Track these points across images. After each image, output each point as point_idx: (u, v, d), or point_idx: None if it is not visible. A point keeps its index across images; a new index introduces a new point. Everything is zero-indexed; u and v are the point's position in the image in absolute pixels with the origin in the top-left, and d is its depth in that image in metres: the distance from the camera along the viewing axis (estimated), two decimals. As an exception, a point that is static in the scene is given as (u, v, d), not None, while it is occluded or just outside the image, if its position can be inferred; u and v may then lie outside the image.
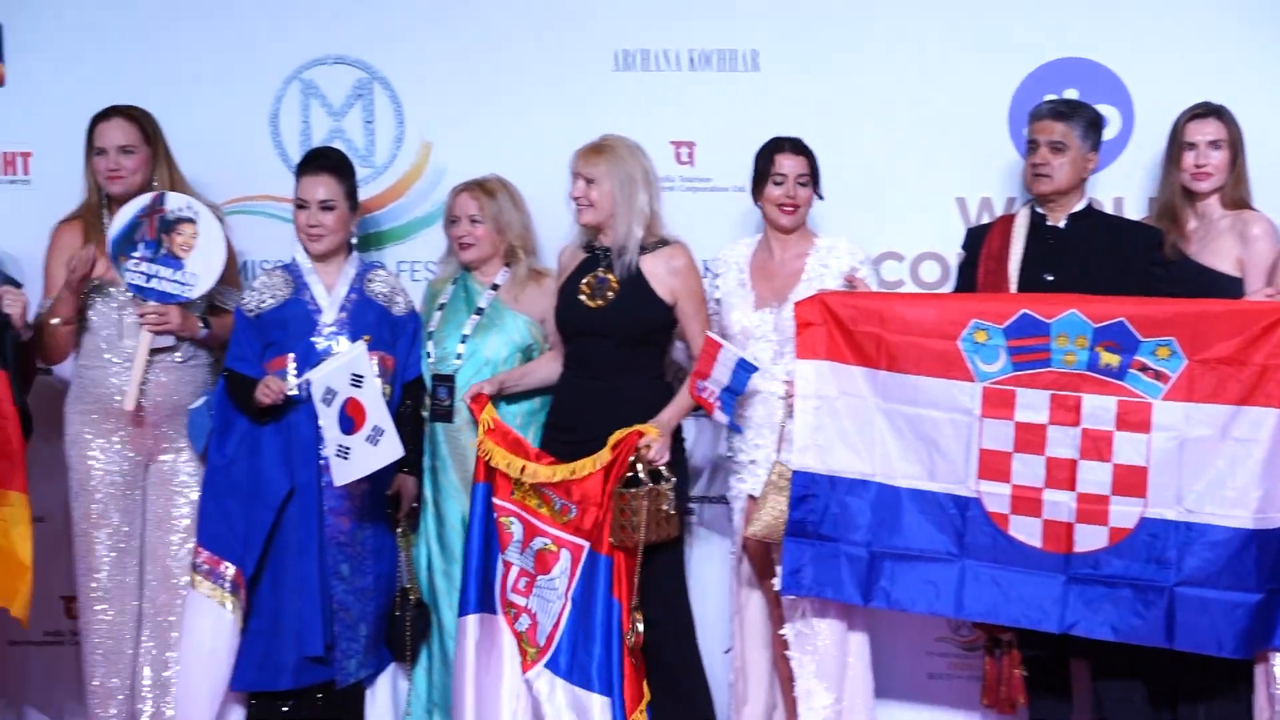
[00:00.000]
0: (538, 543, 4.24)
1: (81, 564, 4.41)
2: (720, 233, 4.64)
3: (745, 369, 4.07)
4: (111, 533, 4.37)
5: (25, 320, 4.17)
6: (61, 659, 4.82)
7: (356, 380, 4.11)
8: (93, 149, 4.35)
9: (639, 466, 4.08)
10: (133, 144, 4.35)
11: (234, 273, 4.57)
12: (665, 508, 4.09)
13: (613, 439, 4.12)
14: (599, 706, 4.11)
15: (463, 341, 4.46)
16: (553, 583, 4.22)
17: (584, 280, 4.31)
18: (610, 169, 4.24)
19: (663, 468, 4.11)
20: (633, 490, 4.06)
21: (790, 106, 4.70)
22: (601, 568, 4.13)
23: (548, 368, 4.45)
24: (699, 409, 4.25)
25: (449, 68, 4.82)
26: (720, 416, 4.14)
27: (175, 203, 4.35)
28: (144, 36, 4.79)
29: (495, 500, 4.27)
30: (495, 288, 4.53)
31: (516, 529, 4.25)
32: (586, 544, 4.18)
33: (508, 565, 4.26)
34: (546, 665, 4.20)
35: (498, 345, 4.47)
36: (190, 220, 4.35)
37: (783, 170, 4.31)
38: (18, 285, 4.29)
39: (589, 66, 4.81)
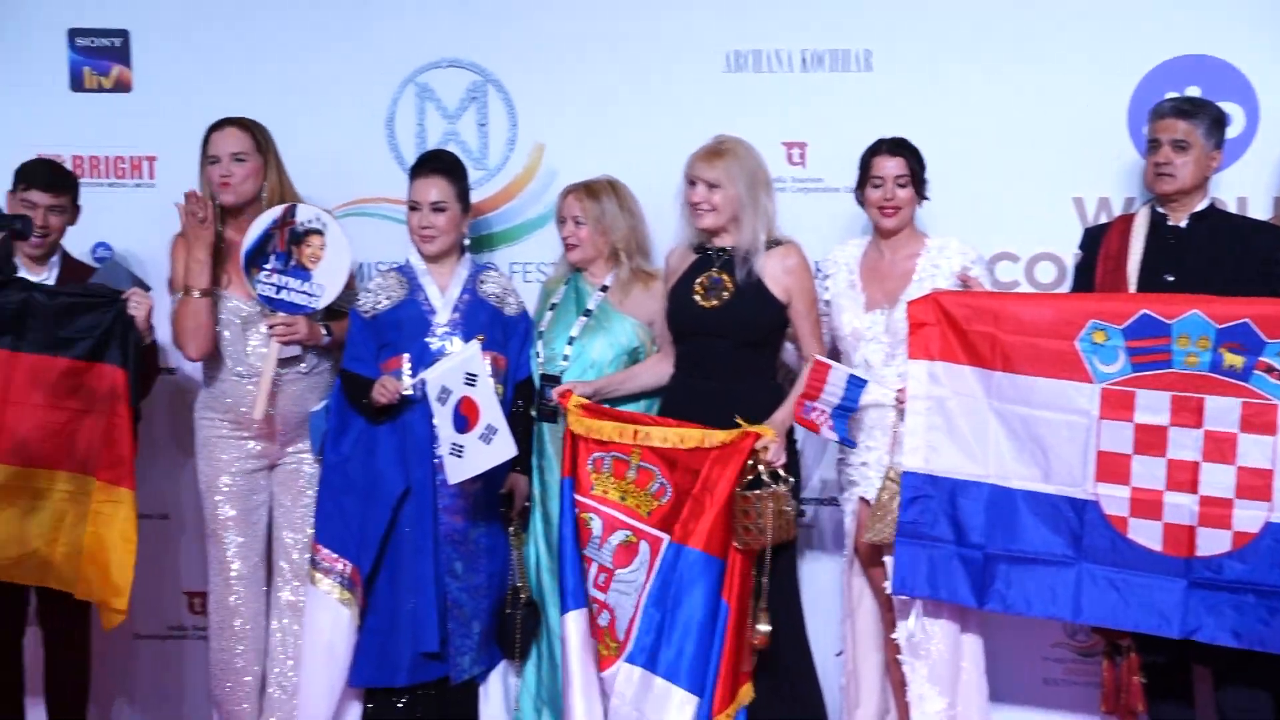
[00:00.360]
0: (617, 536, 4.20)
1: (211, 561, 4.51)
2: (831, 234, 4.63)
3: (857, 384, 4.05)
4: (238, 531, 4.45)
5: (149, 324, 4.26)
6: (184, 653, 4.93)
7: (470, 379, 4.15)
8: (206, 157, 4.44)
9: (760, 468, 4.05)
10: (245, 152, 4.42)
11: (350, 277, 4.63)
12: (786, 509, 4.07)
13: (727, 434, 4.09)
14: (680, 702, 4.07)
15: (570, 343, 4.48)
16: (632, 575, 4.18)
17: (697, 280, 4.30)
18: (733, 173, 4.23)
19: (779, 469, 4.09)
20: (755, 492, 4.02)
21: (903, 106, 4.66)
22: (704, 566, 4.07)
23: (653, 371, 4.44)
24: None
25: (562, 70, 4.85)
26: (829, 434, 4.11)
27: (305, 214, 4.42)
28: (264, 42, 4.87)
29: (576, 497, 4.24)
30: (604, 289, 4.54)
31: (596, 525, 4.22)
32: (666, 537, 4.14)
33: (588, 561, 4.23)
34: (626, 660, 4.16)
35: (603, 347, 4.48)
36: (319, 232, 4.42)
37: (881, 172, 4.28)
38: (146, 288, 4.39)
39: (701, 68, 4.80)
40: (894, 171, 4.27)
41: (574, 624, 4.23)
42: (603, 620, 4.21)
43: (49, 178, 4.42)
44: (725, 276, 4.27)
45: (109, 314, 4.17)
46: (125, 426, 4.18)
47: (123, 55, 4.88)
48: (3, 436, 4.12)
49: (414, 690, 4.38)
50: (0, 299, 4.11)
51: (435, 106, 4.89)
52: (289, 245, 4.39)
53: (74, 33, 4.88)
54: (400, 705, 4.39)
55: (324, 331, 4.46)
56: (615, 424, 4.21)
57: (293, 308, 4.38)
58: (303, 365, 4.45)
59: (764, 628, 4.07)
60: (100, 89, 4.89)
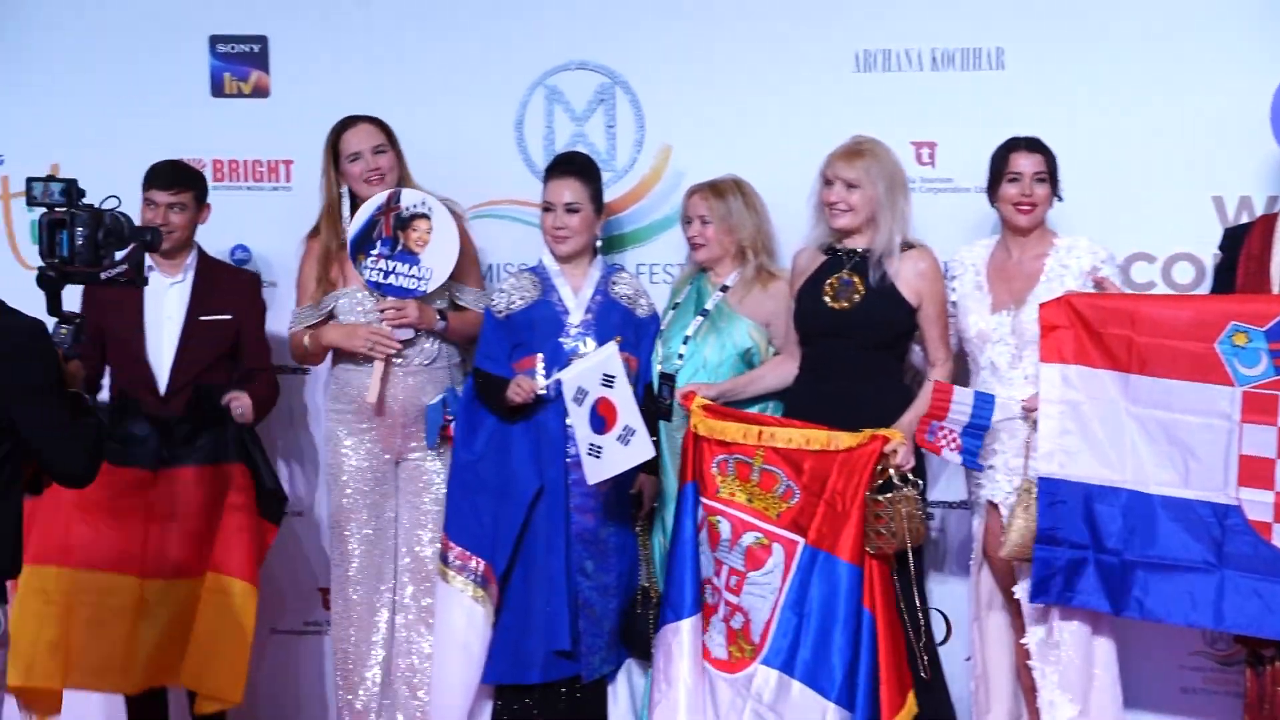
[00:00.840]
0: (748, 538, 4.18)
1: (334, 555, 4.59)
2: (961, 235, 4.57)
3: (985, 401, 4.01)
4: (362, 525, 4.52)
5: (251, 419, 4.37)
6: (320, 648, 5.00)
7: (608, 380, 4.17)
8: (341, 156, 4.51)
9: (890, 472, 4.02)
10: (383, 145, 4.51)
11: (476, 273, 4.68)
12: (916, 512, 4.04)
13: (853, 437, 4.06)
14: (828, 714, 4.03)
15: (685, 342, 4.48)
16: (766, 578, 4.15)
17: (828, 281, 4.28)
18: (873, 173, 4.22)
19: (909, 472, 4.06)
20: (887, 496, 3.99)
21: (1036, 104, 4.60)
22: (844, 574, 4.03)
23: (776, 373, 4.42)
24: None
25: (689, 71, 4.84)
26: (950, 456, 4.06)
27: (410, 199, 4.48)
28: (396, 46, 4.92)
29: (703, 500, 4.23)
30: (725, 289, 4.53)
31: (725, 528, 4.20)
32: (801, 540, 4.11)
33: (719, 564, 4.21)
34: (763, 662, 4.13)
35: (716, 348, 4.46)
36: (425, 216, 4.48)
37: (1018, 168, 4.22)
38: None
39: (830, 68, 4.77)
40: (1031, 168, 4.22)
41: (690, 630, 4.21)
42: (736, 623, 4.19)
43: (168, 176, 4.48)
44: (856, 278, 4.25)
45: (224, 429, 4.30)
46: (245, 519, 4.30)
47: (261, 61, 4.97)
48: (135, 549, 4.23)
49: (545, 688, 4.41)
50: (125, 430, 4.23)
51: (564, 109, 4.92)
52: (395, 230, 4.45)
53: (215, 39, 4.97)
54: (531, 702, 4.42)
55: (438, 317, 4.49)
56: (739, 425, 4.20)
57: (401, 291, 4.44)
58: (422, 357, 4.49)
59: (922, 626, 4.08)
60: (239, 94, 4.98)
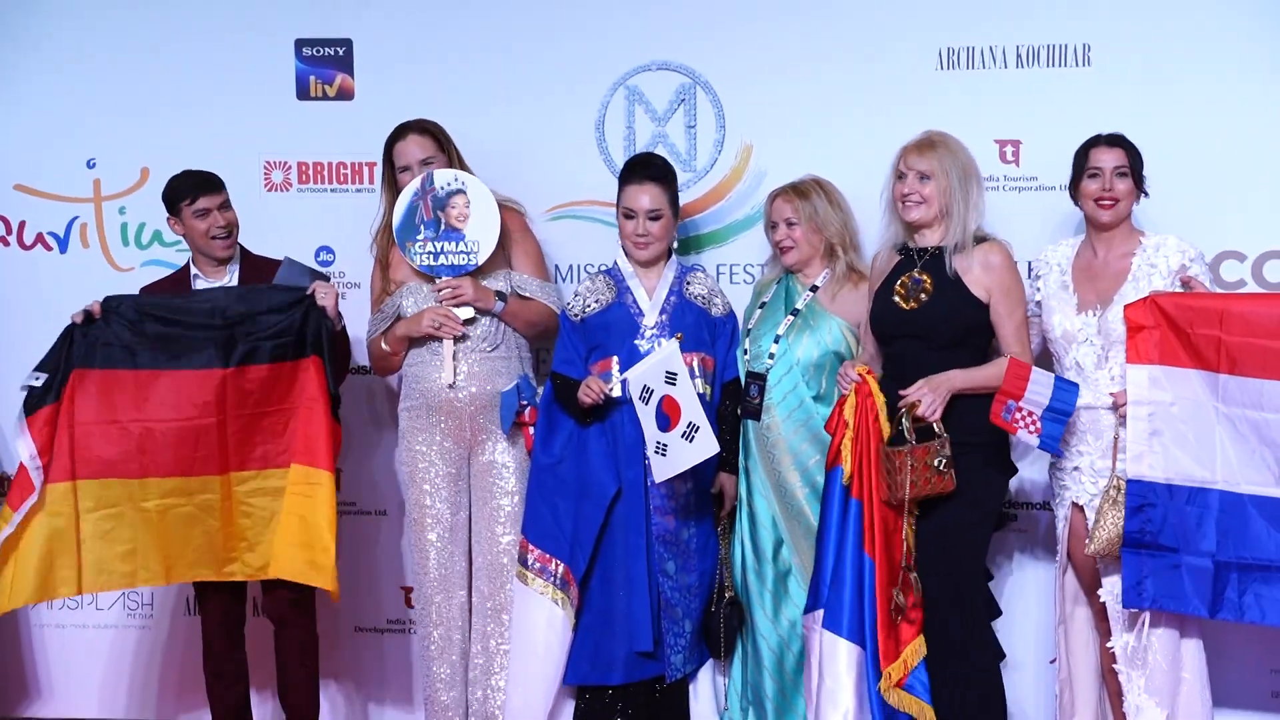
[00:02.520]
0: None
1: (414, 553, 4.60)
2: (1046, 234, 4.55)
3: (1068, 388, 3.96)
4: (438, 522, 4.53)
5: (338, 311, 4.39)
6: (403, 646, 5.03)
7: (671, 378, 4.16)
8: (395, 168, 4.56)
9: (904, 422, 4.02)
10: (430, 155, 4.54)
11: (540, 265, 4.68)
12: (937, 464, 4.00)
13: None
14: (846, 652, 4.07)
15: (776, 341, 4.46)
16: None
17: (898, 282, 4.24)
18: (945, 164, 4.17)
19: (936, 424, 4.02)
20: (897, 449, 4.01)
21: (1123, 102, 4.55)
22: (852, 512, 4.11)
23: None
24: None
25: (770, 70, 4.83)
26: (1028, 438, 4.01)
27: (442, 178, 4.50)
28: (477, 48, 4.94)
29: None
30: (815, 289, 4.51)
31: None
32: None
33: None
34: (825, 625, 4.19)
35: (809, 346, 4.43)
36: (460, 191, 4.49)
37: (1098, 163, 4.18)
38: (326, 279, 4.51)
39: (912, 66, 4.75)
40: (1112, 162, 4.17)
41: (847, 653, 4.14)
42: None
43: (205, 180, 4.48)
44: (926, 277, 4.20)
45: (298, 312, 4.31)
46: (322, 411, 4.30)
47: (346, 64, 5.00)
48: (203, 448, 4.28)
49: (626, 688, 4.41)
50: (195, 319, 4.28)
51: (644, 109, 4.92)
52: (435, 211, 4.48)
53: (300, 43, 5.01)
54: (612, 703, 4.42)
55: (495, 297, 4.50)
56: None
57: (453, 270, 4.48)
58: (485, 344, 4.50)
59: (900, 599, 4.06)
60: (325, 97, 5.02)
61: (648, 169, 4.49)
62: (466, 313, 4.47)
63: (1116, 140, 4.21)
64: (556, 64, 4.93)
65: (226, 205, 4.50)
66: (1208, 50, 4.56)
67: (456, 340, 4.46)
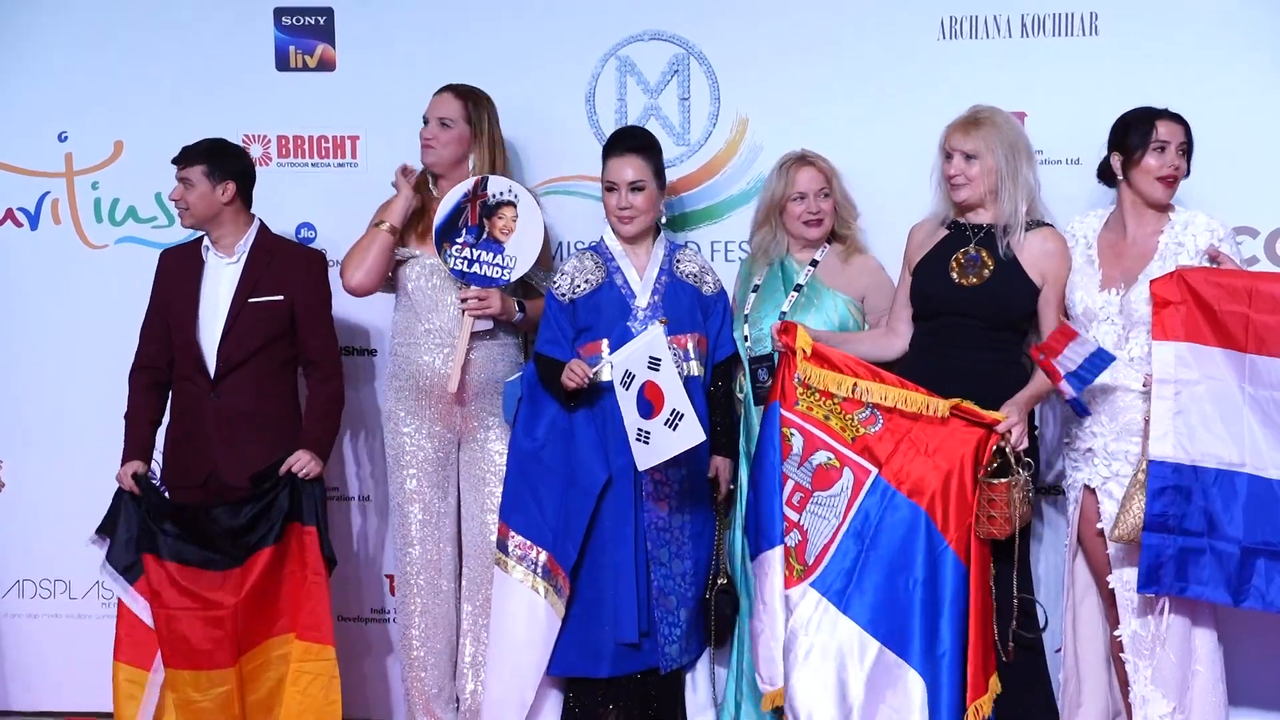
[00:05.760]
0: (819, 457, 4.05)
1: (397, 539, 4.53)
2: (1051, 209, 4.38)
3: (1101, 358, 3.83)
4: (424, 508, 4.46)
5: (317, 470, 4.30)
6: (387, 636, 4.94)
7: (654, 363, 4.05)
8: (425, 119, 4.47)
9: (1007, 453, 3.89)
10: (451, 118, 4.42)
11: (547, 254, 4.59)
12: (1029, 494, 3.92)
13: (948, 404, 3.93)
14: (914, 682, 3.91)
15: (781, 319, 4.34)
16: (832, 500, 4.04)
17: (953, 256, 4.15)
18: (991, 142, 4.08)
19: (1020, 453, 3.93)
20: (1003, 480, 3.87)
21: (1132, 73, 4.46)
22: (950, 565, 3.92)
23: (875, 343, 4.30)
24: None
25: (765, 41, 4.72)
26: (1068, 389, 3.87)
27: (496, 186, 4.40)
28: (463, 18, 4.83)
29: (781, 412, 4.08)
30: (814, 264, 4.42)
31: (797, 442, 4.07)
32: (874, 470, 4.00)
33: (784, 478, 4.09)
34: (813, 585, 4.01)
35: (816, 324, 4.33)
36: (511, 203, 4.40)
37: (1165, 137, 4.03)
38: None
39: (913, 35, 4.65)
40: (1179, 138, 4.04)
41: (778, 558, 4.06)
42: (791, 540, 4.06)
43: (182, 151, 4.38)
44: (984, 253, 4.12)
45: (284, 494, 4.25)
46: (322, 584, 4.27)
47: (327, 34, 4.88)
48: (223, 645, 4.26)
49: (617, 679, 4.30)
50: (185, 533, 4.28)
51: (636, 81, 4.80)
52: (481, 218, 4.38)
53: (279, 11, 4.89)
54: (605, 696, 4.31)
55: (517, 307, 4.42)
56: (835, 375, 4.06)
57: (485, 281, 4.36)
58: (494, 339, 4.44)
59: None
60: (305, 68, 4.90)
61: (629, 140, 4.40)
62: (486, 325, 4.39)
63: (1178, 116, 4.08)
64: (545, 33, 4.82)
65: (188, 182, 4.35)
66: (1218, 19, 4.48)
67: (472, 339, 4.38)
